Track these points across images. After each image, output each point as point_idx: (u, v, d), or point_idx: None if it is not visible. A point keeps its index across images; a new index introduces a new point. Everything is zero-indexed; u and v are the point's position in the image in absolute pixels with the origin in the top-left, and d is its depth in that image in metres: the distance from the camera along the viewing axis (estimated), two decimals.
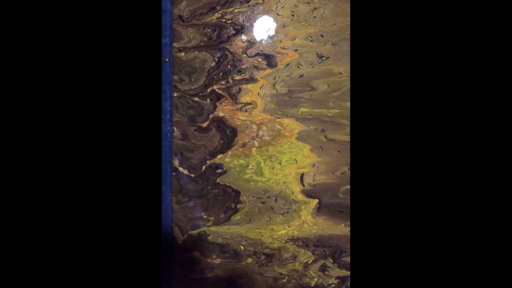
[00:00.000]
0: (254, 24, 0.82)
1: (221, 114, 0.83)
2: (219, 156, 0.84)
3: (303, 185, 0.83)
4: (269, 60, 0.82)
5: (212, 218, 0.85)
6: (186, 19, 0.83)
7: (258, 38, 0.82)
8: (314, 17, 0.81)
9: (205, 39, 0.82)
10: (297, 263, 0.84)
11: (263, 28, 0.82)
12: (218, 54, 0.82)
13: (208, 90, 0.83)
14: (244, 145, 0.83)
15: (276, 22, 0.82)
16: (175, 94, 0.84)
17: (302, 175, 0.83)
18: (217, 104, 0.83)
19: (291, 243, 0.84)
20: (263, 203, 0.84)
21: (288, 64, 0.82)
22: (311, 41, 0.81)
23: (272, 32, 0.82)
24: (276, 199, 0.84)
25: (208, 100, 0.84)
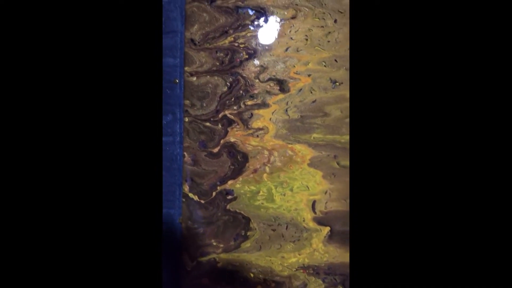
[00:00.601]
0: (267, 48, 0.81)
1: (232, 139, 0.82)
2: (230, 182, 0.83)
3: (315, 213, 0.82)
4: (282, 85, 0.81)
5: (222, 245, 0.84)
6: (198, 42, 0.81)
7: (270, 63, 0.81)
8: (328, 41, 0.80)
9: (217, 64, 0.81)
10: None
11: (276, 52, 0.81)
12: (230, 79, 0.81)
13: (220, 115, 0.82)
14: (255, 171, 0.82)
15: (290, 47, 0.80)
16: (186, 119, 0.83)
17: (314, 202, 0.82)
18: (229, 129, 0.82)
19: (302, 271, 0.83)
20: (273, 230, 0.83)
21: (301, 89, 0.80)
22: (324, 66, 0.80)
23: (285, 57, 0.81)
24: (287, 226, 0.83)
25: (220, 125, 0.82)
